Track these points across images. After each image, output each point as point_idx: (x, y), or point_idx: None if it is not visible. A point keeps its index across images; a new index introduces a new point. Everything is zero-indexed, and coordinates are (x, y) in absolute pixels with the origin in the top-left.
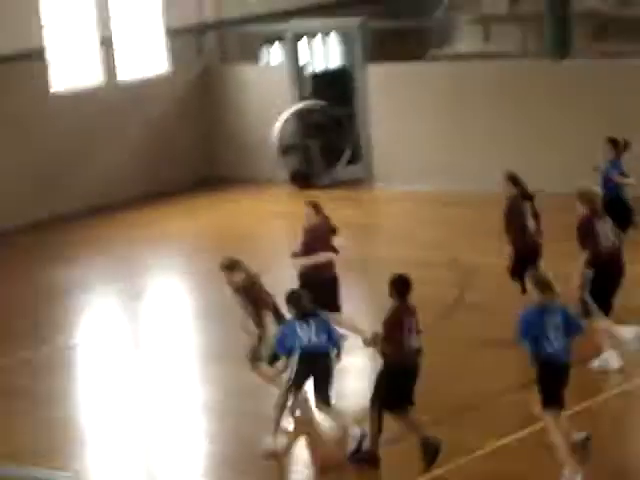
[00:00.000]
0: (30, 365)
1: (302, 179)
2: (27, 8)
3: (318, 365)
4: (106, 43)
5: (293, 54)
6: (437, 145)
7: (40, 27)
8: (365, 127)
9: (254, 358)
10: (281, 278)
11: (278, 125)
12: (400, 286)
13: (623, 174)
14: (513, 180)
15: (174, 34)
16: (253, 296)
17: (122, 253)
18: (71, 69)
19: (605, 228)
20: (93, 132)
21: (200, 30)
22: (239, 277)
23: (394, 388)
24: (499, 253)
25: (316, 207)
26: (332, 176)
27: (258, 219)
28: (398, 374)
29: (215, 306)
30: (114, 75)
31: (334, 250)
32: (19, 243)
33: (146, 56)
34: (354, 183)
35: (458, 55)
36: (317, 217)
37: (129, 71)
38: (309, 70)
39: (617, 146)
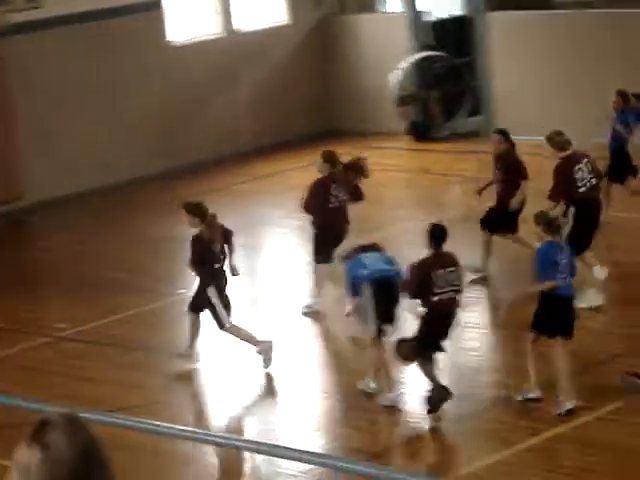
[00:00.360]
0: (147, 317)
1: (420, 131)
2: None
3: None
4: None
5: (412, 3)
6: (560, 96)
7: None
8: (486, 77)
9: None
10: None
11: (397, 75)
12: (436, 234)
13: (628, 126)
14: (504, 135)
15: None
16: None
17: (238, 206)
18: (189, 19)
19: (583, 171)
20: (211, 83)
21: None
22: (194, 224)
23: (429, 334)
24: None
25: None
26: (451, 128)
27: (377, 172)
28: (431, 321)
29: None
30: (232, 25)
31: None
32: (135, 196)
33: (265, 6)
34: (474, 135)
35: (582, 2)
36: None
37: (247, 21)
38: (428, 19)
39: (626, 99)
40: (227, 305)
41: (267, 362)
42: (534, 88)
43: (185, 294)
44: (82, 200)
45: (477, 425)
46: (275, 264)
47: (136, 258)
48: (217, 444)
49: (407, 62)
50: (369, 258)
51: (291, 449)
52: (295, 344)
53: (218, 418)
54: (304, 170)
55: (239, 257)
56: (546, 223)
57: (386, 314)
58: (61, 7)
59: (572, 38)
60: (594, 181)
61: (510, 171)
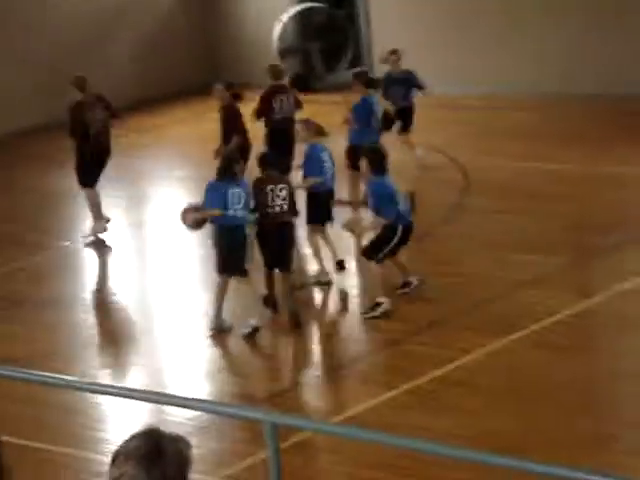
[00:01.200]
0: (33, 270)
1: (302, 82)
2: None
3: None
4: None
5: None
6: (439, 47)
7: None
8: (366, 29)
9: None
10: None
11: (278, 28)
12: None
13: None
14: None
15: None
16: None
17: (122, 160)
18: None
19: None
20: (97, 31)
21: None
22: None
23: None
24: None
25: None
26: (333, 79)
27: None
28: None
29: None
30: None
31: None
32: (17, 147)
33: None
34: None
35: None
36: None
37: None
38: None
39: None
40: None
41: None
42: (413, 38)
43: (70, 246)
44: None
45: (360, 368)
46: (159, 217)
47: (21, 210)
48: (103, 393)
49: (288, 14)
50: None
51: (176, 396)
52: (182, 294)
53: (106, 368)
54: (182, 124)
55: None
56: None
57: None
58: None
59: None
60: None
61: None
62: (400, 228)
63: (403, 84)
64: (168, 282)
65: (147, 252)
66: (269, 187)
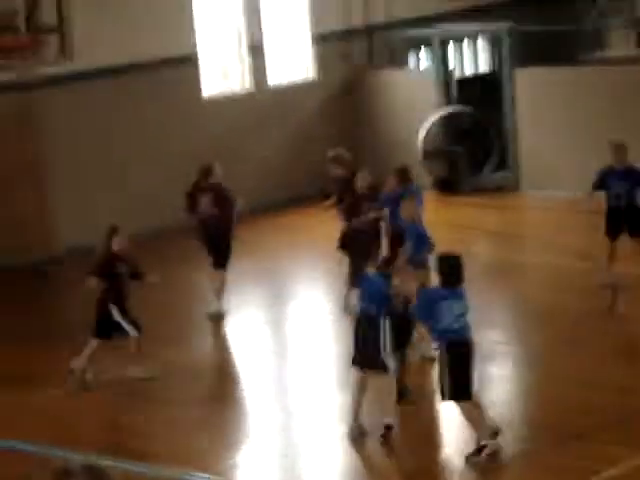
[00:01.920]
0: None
1: (446, 185)
2: (179, 13)
3: None
4: (255, 49)
5: (440, 59)
6: (584, 151)
7: (192, 32)
8: (513, 133)
9: None
10: None
11: (424, 130)
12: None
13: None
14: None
15: (321, 40)
16: None
17: (267, 258)
18: (222, 74)
19: None
20: (242, 137)
21: (347, 35)
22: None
23: None
24: None
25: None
26: (477, 183)
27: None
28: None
29: None
30: (263, 81)
31: None
32: (164, 246)
33: (294, 62)
34: (500, 190)
35: (610, 60)
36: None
37: (277, 76)
38: (456, 75)
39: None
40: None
41: None
42: (559, 143)
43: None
44: None
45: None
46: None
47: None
48: None
49: (434, 117)
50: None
51: None
52: (321, 393)
53: (240, 465)
54: (325, 224)
55: None
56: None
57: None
58: (92, 60)
59: (596, 94)
60: None
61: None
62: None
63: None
64: (307, 380)
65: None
66: None
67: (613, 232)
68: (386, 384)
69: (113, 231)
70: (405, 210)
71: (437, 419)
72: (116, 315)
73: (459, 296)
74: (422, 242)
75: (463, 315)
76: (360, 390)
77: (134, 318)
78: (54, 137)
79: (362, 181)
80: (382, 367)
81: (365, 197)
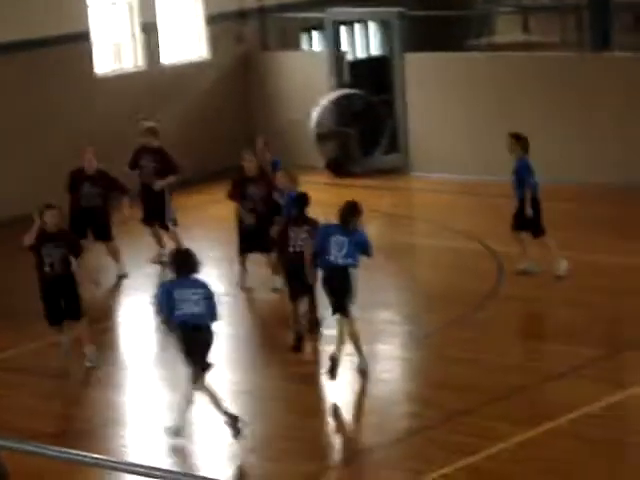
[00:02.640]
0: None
1: (338, 167)
2: None
3: None
4: (148, 26)
5: (332, 42)
6: (473, 135)
7: (85, 10)
8: (403, 116)
9: None
10: None
11: (316, 112)
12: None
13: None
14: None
15: (215, 20)
16: None
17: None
18: (114, 52)
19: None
20: (134, 115)
21: (240, 17)
22: None
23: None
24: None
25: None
26: (369, 164)
27: None
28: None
29: None
30: (156, 59)
31: None
32: None
33: (187, 41)
34: (391, 172)
35: (496, 45)
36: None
37: (170, 55)
38: (348, 58)
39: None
40: None
41: None
42: (448, 127)
43: (108, 326)
44: (7, 229)
45: (390, 454)
46: None
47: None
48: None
49: (326, 99)
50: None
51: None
52: None
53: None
54: (218, 205)
55: None
56: None
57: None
58: None
59: (485, 79)
60: None
61: None
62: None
63: None
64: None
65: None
66: None
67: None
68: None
69: (46, 208)
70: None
71: None
72: None
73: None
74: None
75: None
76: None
77: None
78: None
79: (249, 163)
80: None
81: (253, 179)
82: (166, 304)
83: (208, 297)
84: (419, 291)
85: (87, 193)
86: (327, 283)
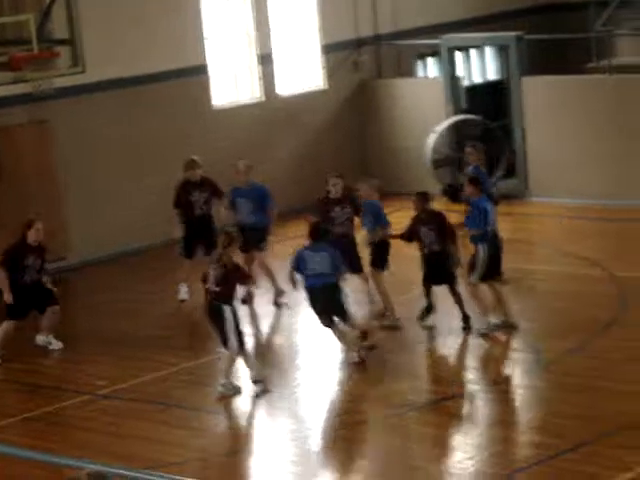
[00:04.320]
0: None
1: (455, 193)
2: (190, 24)
3: None
4: (265, 58)
5: (448, 67)
6: (594, 159)
7: (202, 43)
8: (520, 140)
9: None
10: None
11: (432, 138)
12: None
13: None
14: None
15: (330, 49)
16: None
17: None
18: (231, 84)
19: None
20: (251, 146)
21: (356, 45)
22: None
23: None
24: None
25: None
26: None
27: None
28: None
29: None
30: (273, 90)
31: None
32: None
33: (303, 71)
34: (509, 197)
35: (617, 67)
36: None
37: (287, 86)
38: (464, 83)
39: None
40: None
41: None
42: (567, 151)
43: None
44: (123, 260)
45: None
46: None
47: (175, 316)
48: None
49: (443, 126)
50: None
51: None
52: None
53: None
54: None
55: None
56: None
57: None
58: (105, 71)
59: (606, 101)
60: None
61: None
62: None
63: None
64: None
65: None
66: None
67: None
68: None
69: (30, 223)
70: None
71: None
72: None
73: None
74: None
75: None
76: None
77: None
78: (67, 148)
79: (334, 186)
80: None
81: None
82: (298, 265)
83: (332, 257)
84: (540, 318)
85: (197, 200)
86: None
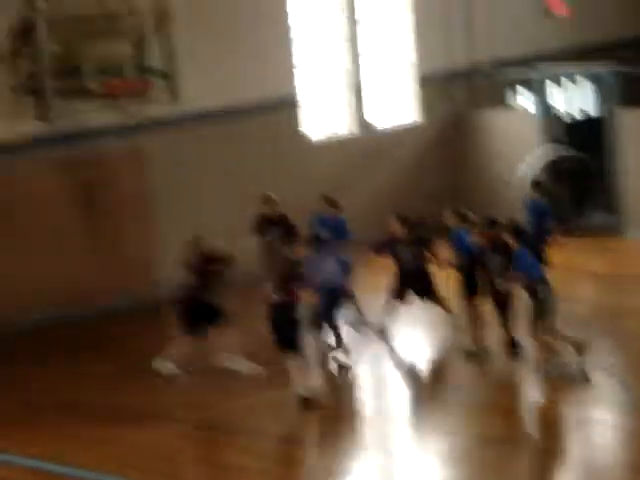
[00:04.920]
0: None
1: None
2: (284, 56)
3: None
4: (359, 91)
5: (542, 99)
6: None
7: (296, 75)
8: (617, 175)
9: None
10: None
11: (526, 171)
12: None
13: None
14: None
15: (424, 81)
16: None
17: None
18: (324, 117)
19: None
20: (344, 179)
21: (450, 77)
22: None
23: None
24: None
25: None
26: (581, 225)
27: None
28: None
29: None
30: (368, 123)
31: None
32: None
33: (397, 104)
34: (605, 233)
35: None
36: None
37: (380, 119)
38: (558, 115)
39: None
40: None
41: None
42: None
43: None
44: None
45: None
46: None
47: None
48: None
49: (536, 157)
50: None
51: None
52: None
53: None
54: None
55: None
56: None
57: None
58: (200, 102)
59: None
60: None
61: None
62: None
63: None
64: None
65: None
66: None
67: None
68: None
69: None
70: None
71: None
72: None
73: None
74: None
75: None
76: None
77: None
78: (160, 177)
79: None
80: None
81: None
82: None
83: None
84: (635, 354)
85: (274, 237)
86: None
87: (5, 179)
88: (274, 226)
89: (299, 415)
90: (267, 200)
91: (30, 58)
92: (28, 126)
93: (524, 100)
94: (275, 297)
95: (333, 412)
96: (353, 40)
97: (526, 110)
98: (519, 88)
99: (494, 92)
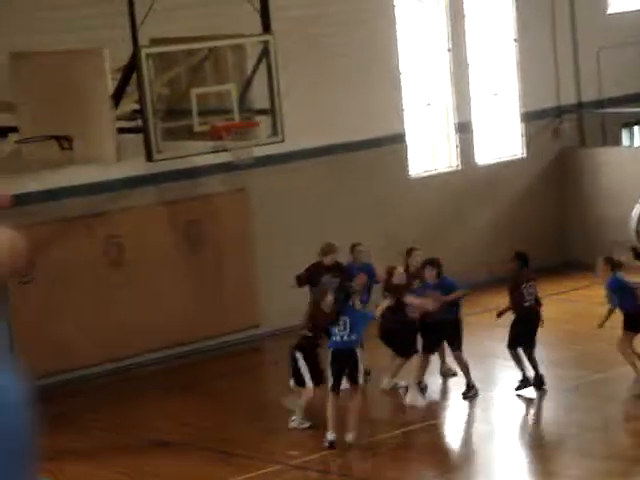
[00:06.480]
0: None
1: None
2: (387, 94)
3: None
4: (463, 126)
5: None
6: None
7: (400, 112)
8: None
9: None
10: None
11: (637, 211)
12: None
13: None
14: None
15: (531, 117)
16: None
17: (469, 337)
18: (428, 153)
19: None
20: (447, 215)
21: (557, 113)
22: None
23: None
24: None
25: None
26: None
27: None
28: None
29: None
30: (471, 159)
31: None
32: None
33: (502, 140)
34: None
35: None
36: None
37: (485, 154)
38: None
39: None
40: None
41: None
42: None
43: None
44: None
45: None
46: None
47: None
48: None
49: None
50: None
51: None
52: None
53: None
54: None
55: None
56: None
57: None
58: (303, 140)
59: None
60: None
61: None
62: None
63: None
64: None
65: None
66: None
67: None
68: None
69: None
70: None
71: None
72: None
73: None
74: None
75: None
76: None
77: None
78: (264, 216)
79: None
80: None
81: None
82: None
83: None
84: None
85: (328, 282)
86: None
87: (116, 216)
88: (330, 272)
89: None
90: (329, 249)
91: (137, 98)
92: (135, 165)
93: (636, 139)
94: None
95: None
96: (459, 76)
97: (637, 149)
98: (630, 126)
99: (605, 129)
